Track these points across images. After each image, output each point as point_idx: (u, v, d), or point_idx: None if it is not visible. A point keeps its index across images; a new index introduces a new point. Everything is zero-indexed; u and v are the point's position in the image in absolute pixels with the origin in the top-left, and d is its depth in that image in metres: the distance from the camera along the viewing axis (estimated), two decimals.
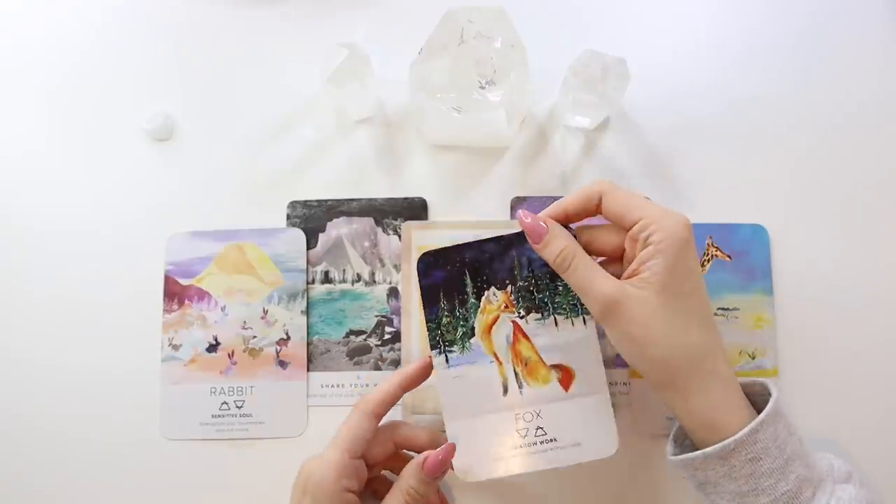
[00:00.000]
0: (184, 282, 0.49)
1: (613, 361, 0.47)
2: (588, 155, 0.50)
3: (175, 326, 0.48)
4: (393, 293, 0.49)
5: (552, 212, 0.39)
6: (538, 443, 0.40)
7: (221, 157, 0.51)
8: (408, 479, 0.39)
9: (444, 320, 0.40)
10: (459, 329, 0.40)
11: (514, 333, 0.40)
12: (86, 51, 0.52)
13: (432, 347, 0.40)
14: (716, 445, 0.35)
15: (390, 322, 0.48)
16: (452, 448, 0.39)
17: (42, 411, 0.48)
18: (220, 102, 0.52)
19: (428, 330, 0.40)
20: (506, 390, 0.40)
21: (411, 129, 0.51)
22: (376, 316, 0.49)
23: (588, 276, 0.37)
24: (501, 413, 0.40)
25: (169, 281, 0.49)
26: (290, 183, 0.50)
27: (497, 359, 0.40)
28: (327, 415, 0.47)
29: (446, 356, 0.40)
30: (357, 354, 0.48)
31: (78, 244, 0.50)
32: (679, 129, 0.50)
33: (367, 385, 0.48)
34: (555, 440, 0.40)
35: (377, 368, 0.48)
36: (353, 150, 0.51)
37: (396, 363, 0.48)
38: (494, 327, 0.40)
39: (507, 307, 0.40)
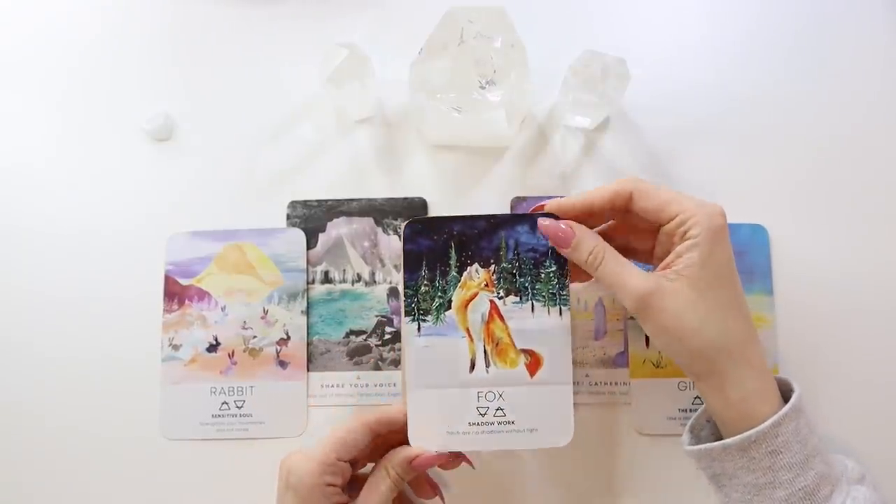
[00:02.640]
0: (184, 282, 0.49)
1: (613, 361, 0.47)
2: (588, 155, 0.50)
3: (175, 326, 0.48)
4: (393, 293, 0.49)
5: (577, 206, 0.39)
6: (496, 423, 0.40)
7: (221, 158, 0.51)
8: (395, 466, 0.39)
9: (423, 289, 0.41)
10: (436, 300, 0.41)
11: (490, 313, 0.40)
12: (86, 51, 0.52)
13: (406, 314, 0.41)
14: (736, 437, 0.35)
15: (390, 322, 0.48)
16: (446, 459, 0.39)
17: (42, 410, 0.48)
18: (220, 102, 0.51)
19: (404, 296, 0.41)
20: (473, 367, 0.40)
21: (411, 129, 0.51)
22: (376, 316, 0.49)
23: (620, 273, 0.37)
24: (464, 389, 0.40)
25: (169, 281, 0.49)
26: (290, 183, 0.50)
27: (469, 335, 0.40)
28: (327, 415, 0.47)
29: (419, 324, 0.41)
30: (357, 354, 0.48)
31: (78, 244, 0.50)
32: (679, 129, 0.50)
33: (366, 385, 0.48)
34: (512, 423, 0.40)
35: (377, 368, 0.48)
36: (353, 150, 0.51)
37: (396, 363, 0.48)
38: (471, 304, 0.40)
39: (487, 286, 0.40)
